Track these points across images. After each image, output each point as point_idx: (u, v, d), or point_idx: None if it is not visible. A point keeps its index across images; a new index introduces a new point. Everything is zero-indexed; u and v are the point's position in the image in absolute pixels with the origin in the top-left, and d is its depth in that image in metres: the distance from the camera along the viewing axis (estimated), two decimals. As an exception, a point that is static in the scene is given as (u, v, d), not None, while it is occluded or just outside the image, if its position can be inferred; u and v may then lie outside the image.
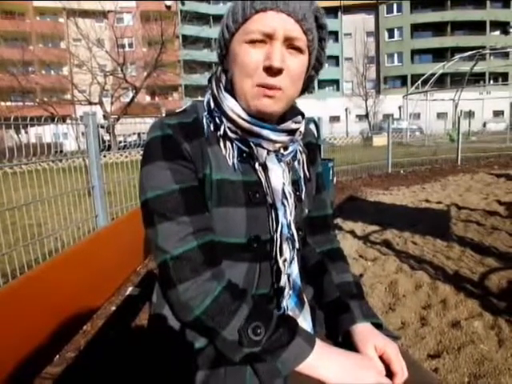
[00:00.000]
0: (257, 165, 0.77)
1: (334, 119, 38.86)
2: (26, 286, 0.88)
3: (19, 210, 2.64)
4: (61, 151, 3.45)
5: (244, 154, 0.77)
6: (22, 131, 3.15)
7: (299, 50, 0.72)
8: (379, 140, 11.60)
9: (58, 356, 1.79)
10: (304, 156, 0.88)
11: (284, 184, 0.78)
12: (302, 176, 0.86)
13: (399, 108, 34.38)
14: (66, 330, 0.99)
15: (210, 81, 0.82)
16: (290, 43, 0.70)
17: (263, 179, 0.77)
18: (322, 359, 0.67)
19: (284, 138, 0.78)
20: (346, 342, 0.79)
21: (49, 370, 1.60)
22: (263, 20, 0.69)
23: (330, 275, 0.90)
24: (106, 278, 1.27)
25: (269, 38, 0.69)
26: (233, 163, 0.76)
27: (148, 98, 35.91)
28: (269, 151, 0.77)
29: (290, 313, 0.77)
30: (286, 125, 0.78)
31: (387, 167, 8.99)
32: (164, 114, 0.84)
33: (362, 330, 0.78)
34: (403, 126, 22.18)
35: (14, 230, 2.68)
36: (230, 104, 0.75)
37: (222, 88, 0.77)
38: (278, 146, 0.78)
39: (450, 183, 7.09)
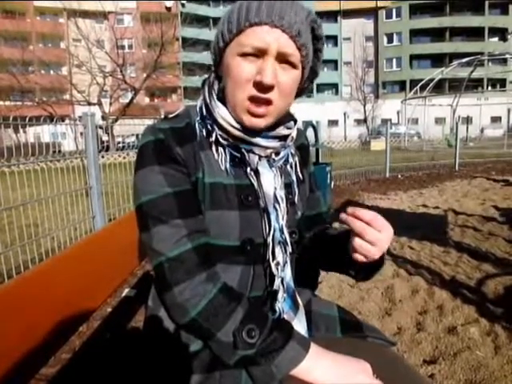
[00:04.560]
0: (248, 170, 0.77)
1: (333, 123, 38.99)
2: (22, 287, 0.88)
3: (16, 209, 2.63)
4: (59, 151, 3.44)
5: (236, 159, 0.77)
6: (21, 131, 3.14)
7: (292, 65, 0.71)
8: (377, 144, 11.66)
9: (53, 357, 1.77)
10: (296, 159, 0.88)
11: (275, 189, 0.79)
12: (294, 179, 0.86)
13: (397, 113, 34.49)
14: (62, 331, 0.99)
15: (203, 86, 0.82)
16: (282, 58, 0.70)
17: (255, 184, 0.77)
18: (316, 363, 0.67)
19: (275, 144, 0.78)
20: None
21: (43, 372, 1.59)
22: (257, 34, 0.69)
23: (331, 230, 0.93)
24: (103, 280, 1.27)
25: (262, 52, 0.69)
26: (225, 168, 0.76)
27: (147, 100, 35.92)
28: (260, 157, 0.78)
29: (285, 316, 0.78)
30: (278, 131, 0.79)
31: (385, 172, 9.01)
32: (163, 116, 0.84)
33: None
34: (401, 130, 22.26)
35: (11, 230, 2.66)
36: (221, 112, 0.75)
37: (214, 95, 0.78)
38: (269, 151, 0.78)
39: (447, 188, 7.11)
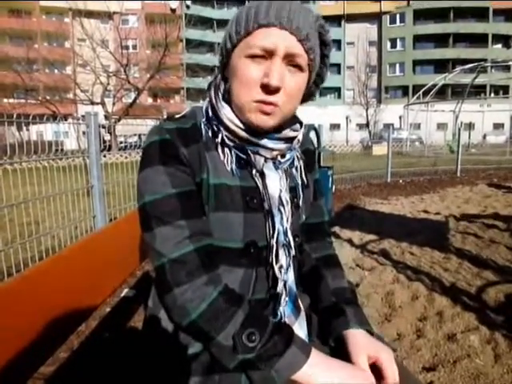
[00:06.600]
0: (254, 171, 0.77)
1: (335, 127, 38.97)
2: (22, 286, 0.88)
3: (17, 207, 2.63)
4: (61, 150, 3.44)
5: (242, 161, 0.77)
6: (24, 128, 3.14)
7: (299, 67, 0.71)
8: (379, 149, 11.65)
9: (51, 356, 1.77)
10: (302, 163, 0.88)
11: (281, 191, 0.78)
12: (299, 183, 0.86)
13: (400, 118, 34.51)
14: (61, 331, 0.99)
15: (209, 88, 0.82)
16: (290, 60, 0.70)
17: (260, 185, 0.77)
18: (316, 369, 0.66)
19: (281, 146, 0.78)
20: (338, 348, 0.78)
21: (42, 370, 1.59)
22: (265, 36, 0.69)
23: (326, 281, 0.89)
24: (103, 279, 1.26)
25: (269, 54, 0.69)
26: (231, 169, 0.76)
27: (150, 100, 36.02)
28: (266, 158, 0.77)
29: (287, 320, 0.77)
30: (284, 133, 0.79)
31: (386, 177, 9.00)
32: (165, 116, 0.84)
33: (356, 337, 0.77)
34: (403, 135, 22.24)
35: (12, 228, 2.66)
36: (227, 113, 0.75)
37: (221, 97, 0.78)
38: (275, 153, 0.78)
39: (448, 194, 7.09)
